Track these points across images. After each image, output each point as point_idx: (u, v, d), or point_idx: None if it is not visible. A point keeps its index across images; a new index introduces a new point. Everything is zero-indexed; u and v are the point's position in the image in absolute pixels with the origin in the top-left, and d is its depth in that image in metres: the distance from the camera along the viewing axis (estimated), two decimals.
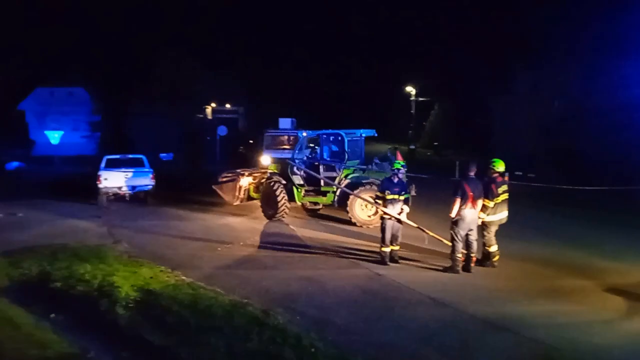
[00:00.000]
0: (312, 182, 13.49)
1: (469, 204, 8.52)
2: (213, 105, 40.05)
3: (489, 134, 31.49)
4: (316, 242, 10.99)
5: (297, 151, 13.97)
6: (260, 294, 7.48)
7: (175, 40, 35.57)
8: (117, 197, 15.85)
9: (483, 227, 8.94)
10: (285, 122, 26.79)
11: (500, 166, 8.97)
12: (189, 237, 11.42)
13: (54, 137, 31.88)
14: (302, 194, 13.55)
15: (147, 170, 16.52)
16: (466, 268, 8.70)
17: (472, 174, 8.78)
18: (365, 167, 13.45)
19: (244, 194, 14.16)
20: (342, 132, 13.43)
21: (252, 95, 42.10)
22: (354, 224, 12.52)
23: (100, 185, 15.54)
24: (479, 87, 34.14)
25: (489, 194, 8.79)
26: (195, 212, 14.47)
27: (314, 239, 11.31)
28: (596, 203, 14.62)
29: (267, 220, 13.22)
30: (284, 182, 13.35)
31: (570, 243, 10.92)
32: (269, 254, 10.08)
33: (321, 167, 13.44)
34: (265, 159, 24.34)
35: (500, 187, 8.88)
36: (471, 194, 8.51)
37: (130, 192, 16.02)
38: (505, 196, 8.97)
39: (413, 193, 11.79)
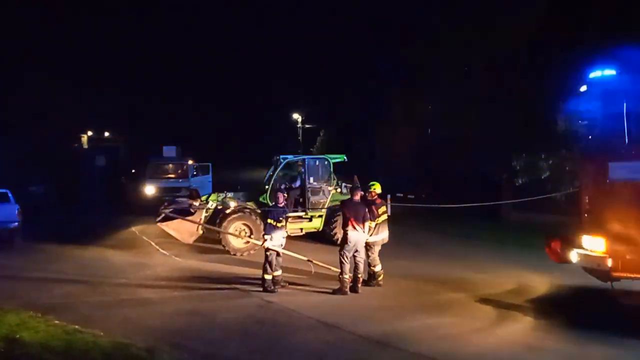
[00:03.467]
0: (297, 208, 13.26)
1: (350, 226, 8.87)
2: (90, 133, 37.74)
3: (371, 158, 33.04)
4: (204, 274, 10.66)
5: (275, 177, 13.54)
6: (144, 332, 7.05)
7: (41, 63, 32.78)
8: None
9: (367, 247, 9.33)
10: (169, 150, 26.02)
11: (377, 189, 9.50)
12: (63, 277, 10.42)
13: None
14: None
15: (12, 205, 15.00)
16: (353, 289, 8.97)
17: (356, 198, 9.19)
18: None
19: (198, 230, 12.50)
20: (327, 156, 14.08)
21: (134, 123, 40.35)
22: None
23: None
24: (360, 114, 35.87)
25: (370, 216, 9.24)
26: (69, 249, 13.27)
27: (201, 270, 10.98)
28: (466, 220, 15.93)
29: (148, 254, 12.47)
30: (258, 211, 12.78)
31: (446, 259, 11.85)
32: (153, 289, 9.52)
33: (308, 192, 13.32)
34: (149, 189, 23.50)
35: (379, 208, 9.38)
36: (349, 216, 8.90)
37: None
38: (385, 217, 9.48)
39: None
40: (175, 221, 11.95)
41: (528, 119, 19.06)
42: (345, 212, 9.01)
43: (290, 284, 9.48)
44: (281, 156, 13.82)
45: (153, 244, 12.93)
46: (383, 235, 9.47)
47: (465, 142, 22.59)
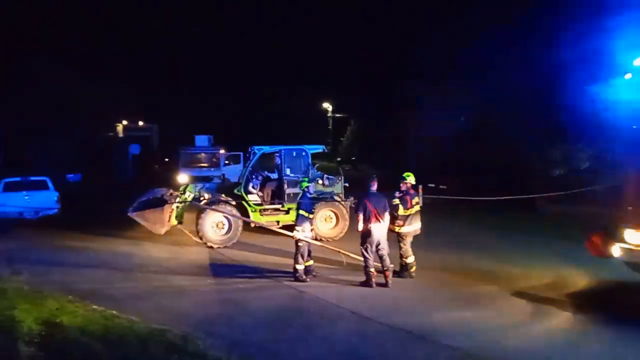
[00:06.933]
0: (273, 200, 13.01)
1: (374, 219, 8.72)
2: (124, 122, 38.46)
3: (403, 147, 32.70)
4: (237, 262, 10.78)
5: (250, 168, 13.34)
6: (178, 319, 7.17)
7: (56, 52, 32.82)
8: (19, 224, 14.65)
9: (399, 238, 9.24)
10: (202, 140, 26.34)
11: (411, 179, 9.36)
12: (96, 263, 10.66)
13: None
14: (259, 213, 12.79)
15: (51, 192, 15.46)
16: (382, 282, 8.81)
17: (373, 188, 9.04)
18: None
19: (170, 221, 12.51)
20: (305, 147, 13.35)
21: (166, 112, 40.95)
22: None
23: None
24: (390, 103, 35.49)
25: (404, 206, 9.12)
26: (105, 238, 13.47)
27: (234, 259, 11.08)
28: (501, 212, 15.59)
29: (180, 242, 12.58)
30: (233, 202, 12.63)
31: (480, 251, 11.60)
32: (186, 277, 9.66)
33: (285, 184, 12.91)
34: (182, 178, 23.85)
35: (413, 198, 9.26)
36: (373, 209, 8.71)
37: (33, 217, 14.90)
38: (417, 207, 9.36)
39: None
40: (146, 211, 12.03)
41: (560, 109, 18.52)
42: (368, 205, 8.73)
43: (321, 274, 9.48)
44: (255, 147, 13.33)
45: (187, 232, 13.07)
46: (415, 226, 9.34)
47: (500, 132, 22.13)
